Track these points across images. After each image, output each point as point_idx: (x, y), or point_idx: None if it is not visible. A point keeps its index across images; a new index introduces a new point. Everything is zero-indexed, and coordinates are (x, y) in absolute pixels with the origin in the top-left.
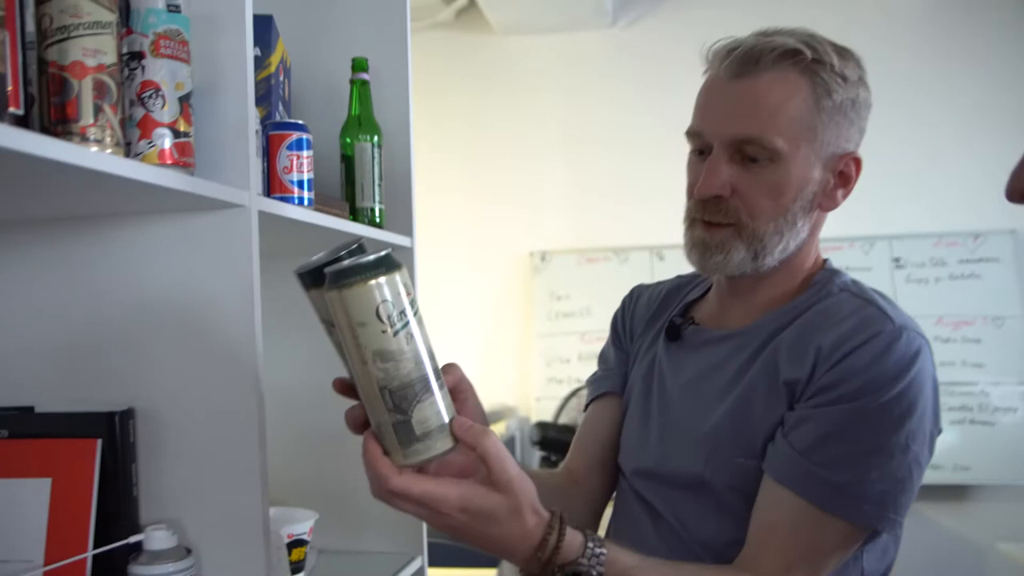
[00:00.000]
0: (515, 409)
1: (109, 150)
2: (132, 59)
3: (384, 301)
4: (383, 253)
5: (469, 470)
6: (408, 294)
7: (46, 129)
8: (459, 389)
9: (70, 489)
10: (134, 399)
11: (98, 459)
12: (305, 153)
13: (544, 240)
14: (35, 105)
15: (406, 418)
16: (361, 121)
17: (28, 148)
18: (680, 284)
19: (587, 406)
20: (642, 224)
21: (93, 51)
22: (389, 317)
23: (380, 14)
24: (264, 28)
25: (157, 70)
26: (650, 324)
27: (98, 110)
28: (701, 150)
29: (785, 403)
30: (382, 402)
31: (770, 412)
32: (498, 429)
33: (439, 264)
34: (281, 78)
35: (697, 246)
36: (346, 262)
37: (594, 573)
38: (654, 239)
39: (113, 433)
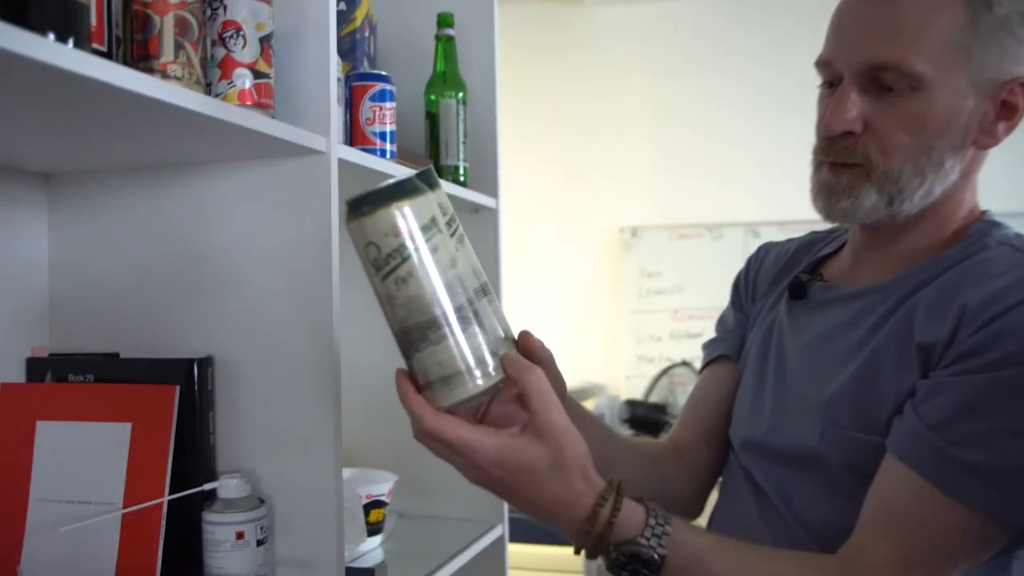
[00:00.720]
0: (604, 387)
1: (186, 87)
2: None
3: (368, 244)
4: (383, 185)
5: (517, 422)
6: (398, 234)
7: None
8: (536, 359)
9: (149, 434)
10: (213, 347)
11: (176, 406)
12: (388, 105)
13: (634, 216)
14: (120, 46)
15: (421, 357)
16: (446, 77)
17: (107, 78)
18: (813, 240)
19: (701, 371)
20: (736, 200)
21: None
22: (376, 260)
23: None
24: None
25: (238, 10)
26: (775, 283)
27: (179, 47)
28: (831, 82)
29: (918, 370)
30: (407, 341)
31: (899, 381)
32: (586, 407)
33: (525, 233)
34: (366, 33)
35: (822, 190)
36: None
37: (655, 555)
38: (749, 216)
39: (192, 380)
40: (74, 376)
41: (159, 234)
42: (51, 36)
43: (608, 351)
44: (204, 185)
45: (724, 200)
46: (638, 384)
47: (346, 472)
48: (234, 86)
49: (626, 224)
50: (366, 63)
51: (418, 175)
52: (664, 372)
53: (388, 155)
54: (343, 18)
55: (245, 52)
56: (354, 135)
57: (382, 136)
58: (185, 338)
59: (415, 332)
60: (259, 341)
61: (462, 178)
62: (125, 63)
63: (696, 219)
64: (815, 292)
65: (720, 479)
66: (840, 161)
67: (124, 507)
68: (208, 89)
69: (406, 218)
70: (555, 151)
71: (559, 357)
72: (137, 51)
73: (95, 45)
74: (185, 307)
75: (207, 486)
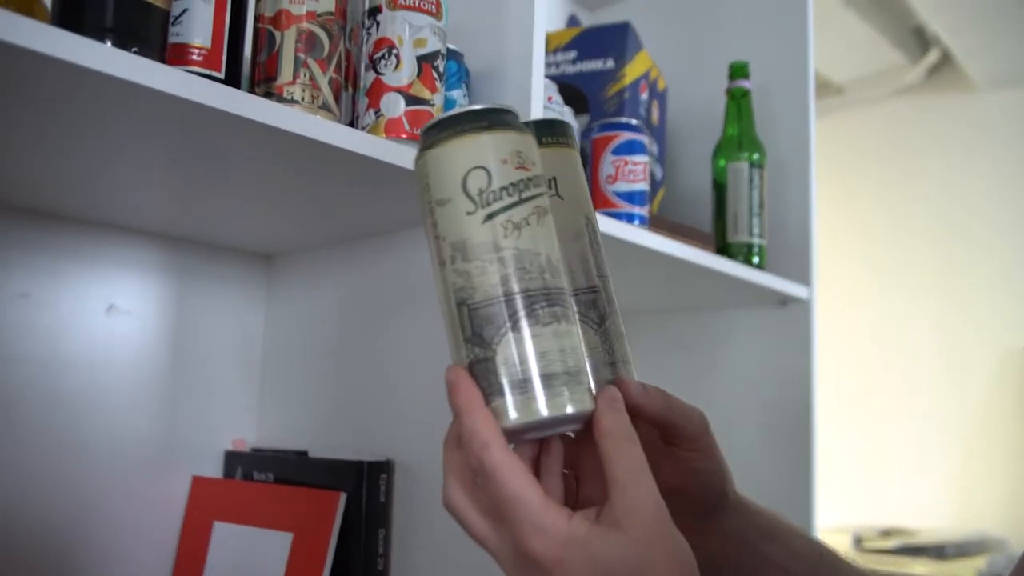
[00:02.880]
0: (1004, 542)
1: (307, 111)
2: (369, 17)
3: (474, 168)
4: (490, 105)
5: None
6: (521, 166)
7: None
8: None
9: (308, 547)
10: (402, 449)
11: (338, 516)
12: (637, 159)
13: None
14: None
15: (489, 353)
16: (740, 139)
17: (174, 90)
18: None
19: None
20: None
21: None
22: (481, 192)
23: (772, 10)
24: (617, 37)
25: (392, 25)
26: None
27: (300, 64)
28: None
29: None
30: (459, 326)
31: None
32: (978, 564)
33: (896, 357)
34: (642, 95)
35: None
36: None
37: None
38: None
39: (360, 487)
40: (258, 474)
41: (356, 316)
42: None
43: (1011, 497)
44: (390, 255)
45: None
46: None
47: None
48: (381, 115)
49: None
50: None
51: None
52: None
53: (637, 220)
54: (608, 76)
55: (397, 73)
56: (593, 195)
57: (628, 197)
58: (380, 437)
59: (519, 300)
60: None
61: (755, 259)
62: (250, 90)
63: None
64: None
65: None
66: None
67: None
68: (355, 122)
69: (534, 157)
70: (939, 257)
71: (943, 502)
72: (258, 73)
73: (202, 69)
74: (378, 401)
75: None
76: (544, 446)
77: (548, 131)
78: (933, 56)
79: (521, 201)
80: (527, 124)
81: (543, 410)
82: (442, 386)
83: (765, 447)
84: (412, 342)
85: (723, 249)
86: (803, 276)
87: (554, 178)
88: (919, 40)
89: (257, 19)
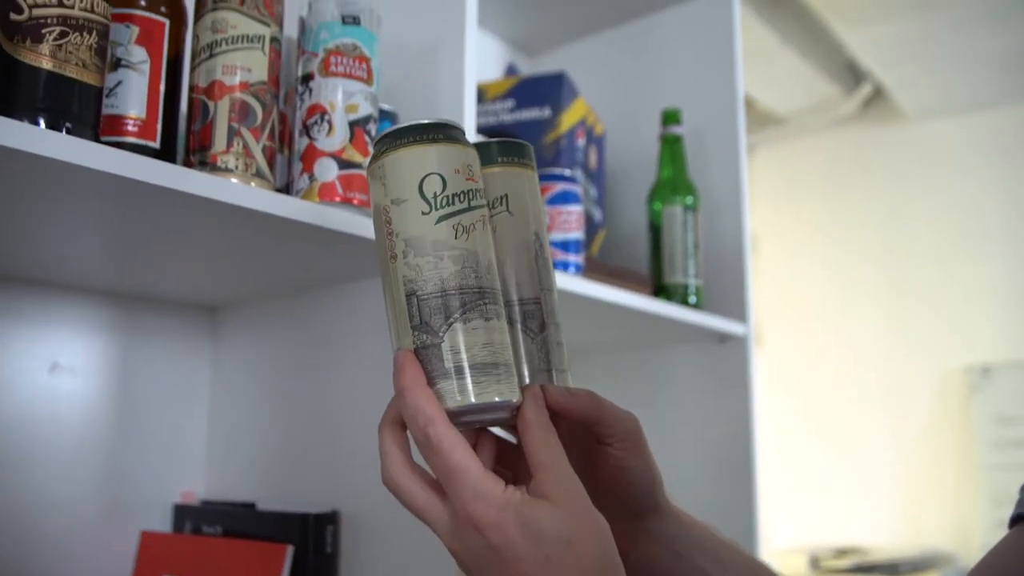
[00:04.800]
0: (953, 557)
1: (240, 180)
2: (303, 83)
3: (430, 174)
4: (445, 120)
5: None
6: (470, 178)
7: (187, 164)
8: (624, 446)
9: None
10: (348, 500)
11: (285, 569)
12: (572, 208)
13: (983, 352)
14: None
15: (436, 340)
16: (674, 183)
17: (108, 167)
18: None
19: (1010, 526)
20: None
21: (235, 68)
22: (436, 196)
23: (704, 57)
24: (553, 87)
25: (324, 91)
26: None
27: (233, 134)
28: None
29: None
30: (407, 314)
31: None
32: None
33: (845, 377)
34: (579, 142)
35: None
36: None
37: None
38: None
39: (306, 539)
40: (207, 527)
41: (300, 366)
42: (41, 123)
43: (957, 514)
44: (332, 308)
45: None
46: None
47: None
48: (315, 180)
49: (973, 361)
50: (581, 176)
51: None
52: None
53: (573, 269)
54: (545, 125)
55: (330, 139)
56: None
57: (563, 246)
58: (326, 487)
59: (464, 295)
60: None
61: (691, 298)
62: (185, 161)
63: None
64: None
65: None
66: None
67: None
68: (290, 187)
69: (475, 164)
70: (881, 281)
71: (893, 520)
72: (192, 142)
73: (141, 140)
74: (325, 450)
75: None
76: (479, 440)
77: (505, 151)
78: (866, 89)
79: (470, 208)
80: (489, 143)
81: (482, 395)
82: None
83: (708, 480)
84: (356, 392)
85: (660, 290)
86: (740, 313)
87: (506, 195)
88: (853, 73)
89: (191, 89)
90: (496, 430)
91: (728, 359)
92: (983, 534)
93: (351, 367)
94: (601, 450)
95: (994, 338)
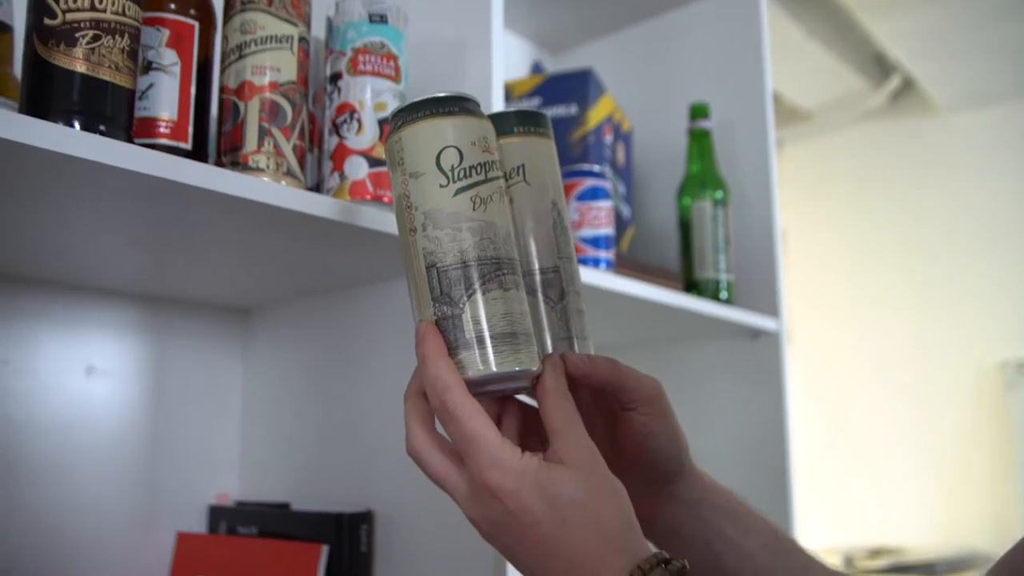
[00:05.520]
0: (991, 557)
1: (272, 179)
2: (331, 83)
3: (447, 147)
4: (461, 93)
5: None
6: (487, 150)
7: (219, 165)
8: (647, 410)
9: None
10: (383, 499)
11: (321, 569)
12: (601, 204)
13: (1018, 347)
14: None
15: (456, 311)
16: (702, 177)
17: (124, 163)
18: None
19: None
20: None
21: (264, 69)
22: (453, 168)
23: (731, 52)
24: (579, 83)
25: (353, 90)
26: None
27: (264, 133)
28: None
29: None
30: (428, 286)
31: None
32: None
33: (872, 376)
34: (607, 138)
35: None
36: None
37: None
38: None
39: (341, 539)
40: (242, 528)
41: (331, 367)
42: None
43: (995, 513)
44: (362, 308)
45: None
46: None
47: None
48: (345, 178)
49: (1008, 357)
50: (610, 173)
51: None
52: None
53: (603, 264)
54: (572, 122)
55: (360, 137)
56: None
57: (594, 242)
58: (360, 487)
59: (483, 266)
60: (432, 496)
61: (723, 294)
62: (217, 162)
63: None
64: None
65: None
66: None
67: None
68: (320, 186)
69: (493, 137)
70: (909, 278)
71: (929, 519)
72: (223, 144)
73: (169, 141)
74: (357, 450)
75: None
76: (505, 408)
77: (522, 120)
78: (895, 81)
79: (487, 180)
80: (505, 113)
81: (503, 364)
82: None
83: (742, 478)
84: (387, 391)
85: (691, 286)
86: (771, 308)
87: (523, 165)
88: (881, 66)
89: (221, 90)
90: (523, 397)
91: (760, 355)
92: (1022, 532)
93: (381, 366)
94: (625, 416)
95: None
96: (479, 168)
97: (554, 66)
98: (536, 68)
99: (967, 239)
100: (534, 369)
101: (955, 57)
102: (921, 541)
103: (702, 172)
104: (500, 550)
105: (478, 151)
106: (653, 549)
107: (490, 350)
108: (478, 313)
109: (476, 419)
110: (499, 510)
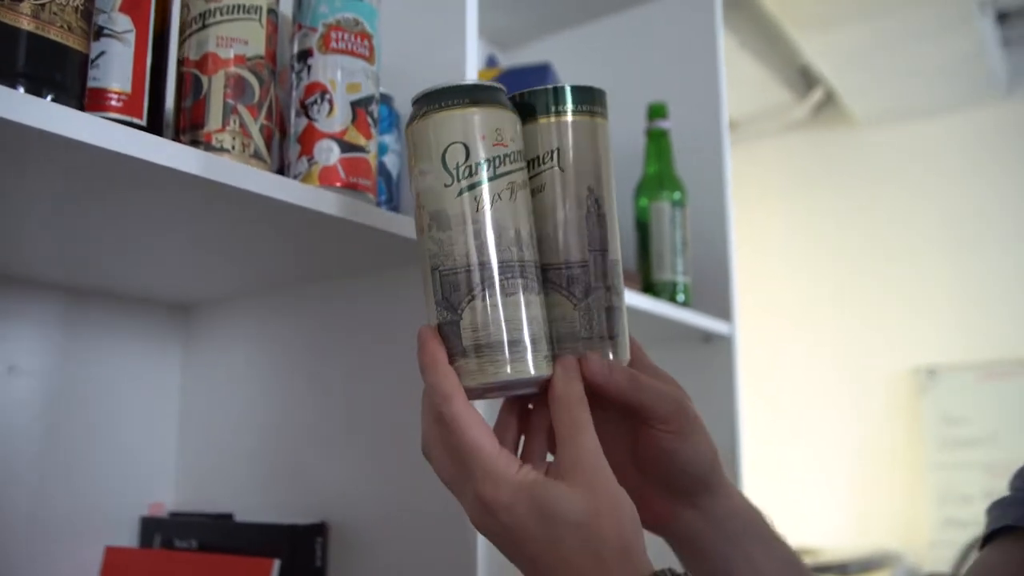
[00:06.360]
0: (901, 556)
1: (238, 160)
2: (299, 60)
3: (452, 144)
4: (477, 82)
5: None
6: (499, 143)
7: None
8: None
9: None
10: (337, 510)
11: None
12: None
13: (930, 354)
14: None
15: (455, 317)
16: (660, 178)
17: (74, 134)
18: None
19: (981, 546)
20: None
21: (230, 40)
22: (459, 167)
23: (685, 53)
24: (538, 78)
25: (324, 69)
26: None
27: (229, 111)
28: None
29: None
30: (432, 289)
31: None
32: None
33: (797, 377)
34: None
35: None
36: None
37: None
38: None
39: (293, 553)
40: (179, 541)
41: (284, 369)
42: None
43: (905, 513)
44: (323, 306)
45: None
46: (945, 554)
47: None
48: (315, 163)
49: (921, 363)
50: None
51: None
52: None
53: None
54: None
55: (331, 120)
56: None
57: None
58: (312, 495)
59: (484, 271)
60: (389, 506)
61: (680, 296)
62: (175, 139)
63: (1009, 354)
64: None
65: None
66: None
67: None
68: (287, 170)
69: (513, 134)
70: (834, 286)
71: (843, 519)
72: (183, 121)
73: (126, 116)
74: (310, 459)
75: None
76: (535, 405)
77: (558, 99)
78: (818, 94)
79: (496, 176)
80: (542, 91)
81: (500, 373)
82: (379, 444)
83: None
84: (345, 396)
85: (648, 287)
86: (724, 312)
87: (557, 149)
88: (806, 79)
89: (181, 63)
90: None
91: (713, 360)
92: (929, 533)
93: (341, 370)
94: (645, 431)
95: (941, 340)
96: (487, 164)
97: (506, 62)
98: (491, 62)
99: (885, 249)
100: (534, 374)
101: (876, 73)
102: (837, 542)
103: (660, 173)
104: (506, 556)
105: (488, 145)
106: (655, 567)
107: (485, 359)
108: (475, 320)
109: (473, 430)
110: (495, 523)
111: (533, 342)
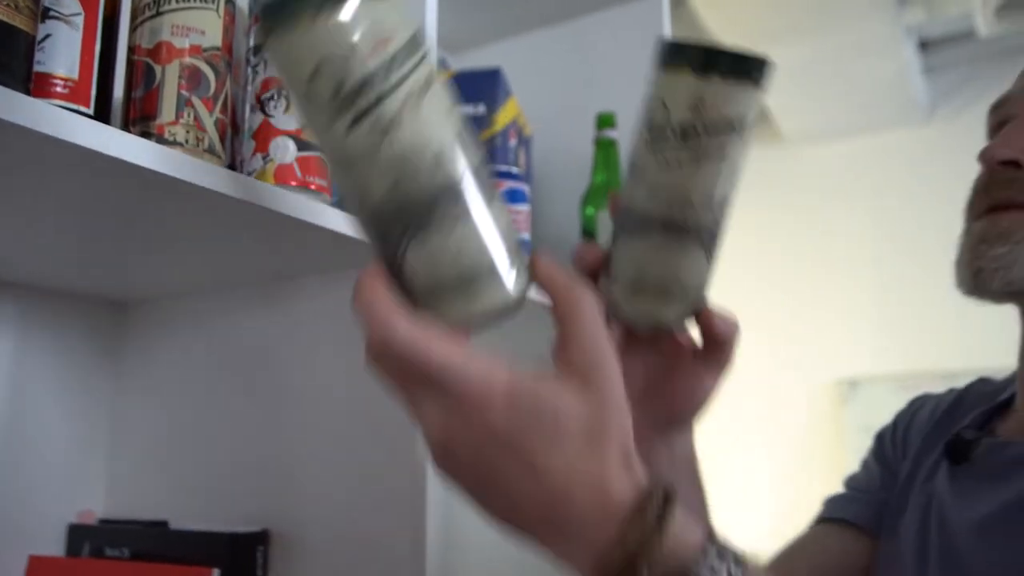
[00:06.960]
0: None
1: (192, 155)
2: (255, 54)
3: (318, 67)
4: None
5: None
6: (380, 43)
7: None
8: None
9: None
10: (279, 517)
11: None
12: (520, 207)
13: (852, 366)
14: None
15: (426, 248)
16: (608, 188)
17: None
18: (980, 390)
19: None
20: (973, 343)
21: (186, 29)
22: (336, 95)
23: (633, 64)
24: (488, 83)
25: None
26: (930, 441)
27: (183, 103)
28: (1001, 124)
29: None
30: (370, 230)
31: None
32: None
33: (723, 392)
34: (512, 142)
35: (969, 247)
36: None
37: None
38: (991, 361)
39: (233, 562)
40: (110, 550)
41: (224, 370)
42: None
43: None
44: (265, 308)
45: (959, 344)
46: None
47: None
48: (270, 160)
49: (843, 376)
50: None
51: None
52: None
53: None
54: (479, 122)
55: (288, 116)
56: None
57: None
58: (251, 504)
59: (414, 208)
60: (334, 514)
61: None
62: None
63: (927, 367)
64: (987, 452)
65: None
66: (1000, 203)
67: None
68: (241, 167)
69: (395, 23)
70: (759, 299)
71: (764, 528)
72: (133, 111)
73: (67, 103)
74: (250, 464)
75: None
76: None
77: (759, 70)
78: None
79: (390, 90)
80: (751, 57)
81: (508, 297)
82: (325, 450)
83: None
84: (288, 400)
85: None
86: None
87: (745, 117)
88: None
89: (132, 50)
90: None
91: None
92: None
93: (286, 373)
94: (690, 363)
95: (861, 353)
96: (372, 79)
97: (455, 65)
98: (442, 64)
99: (811, 264)
100: (519, 295)
101: (807, 91)
102: (758, 550)
103: (607, 182)
104: (474, 495)
105: (363, 54)
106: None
107: (447, 301)
108: (423, 261)
109: (433, 345)
110: (485, 432)
111: (516, 256)
